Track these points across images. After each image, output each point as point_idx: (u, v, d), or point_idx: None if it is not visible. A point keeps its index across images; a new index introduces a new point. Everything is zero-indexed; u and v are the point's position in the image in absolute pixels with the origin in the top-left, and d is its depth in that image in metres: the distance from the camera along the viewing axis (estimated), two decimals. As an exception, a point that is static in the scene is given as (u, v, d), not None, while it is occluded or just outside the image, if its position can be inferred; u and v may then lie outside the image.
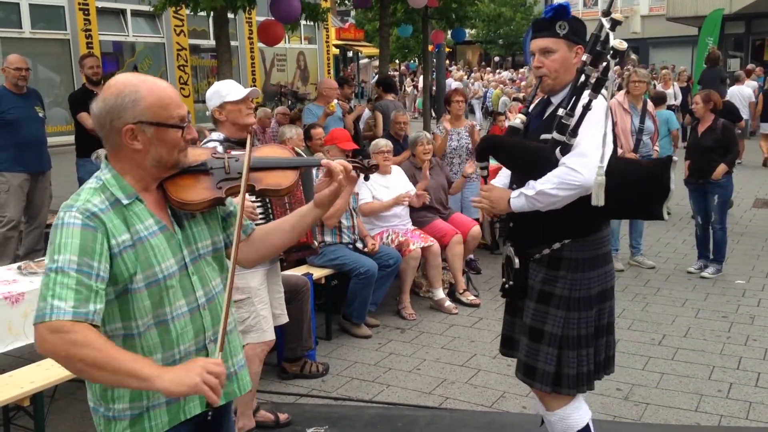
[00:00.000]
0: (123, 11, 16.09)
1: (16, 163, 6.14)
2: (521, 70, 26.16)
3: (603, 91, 2.63)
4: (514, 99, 14.17)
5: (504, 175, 3.05)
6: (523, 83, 22.00)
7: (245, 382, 2.15)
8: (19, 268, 3.95)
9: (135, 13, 16.18)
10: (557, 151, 2.63)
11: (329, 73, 22.39)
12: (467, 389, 4.35)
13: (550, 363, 2.78)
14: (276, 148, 2.22)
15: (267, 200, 3.63)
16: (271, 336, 3.71)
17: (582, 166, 2.56)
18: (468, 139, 6.79)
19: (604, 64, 2.56)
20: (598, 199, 2.54)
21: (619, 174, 2.62)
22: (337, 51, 25.51)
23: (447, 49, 25.20)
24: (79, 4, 14.42)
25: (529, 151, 2.79)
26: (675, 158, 2.62)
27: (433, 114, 15.20)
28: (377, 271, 5.16)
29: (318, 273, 5.06)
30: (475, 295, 5.99)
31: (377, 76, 14.20)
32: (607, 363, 2.90)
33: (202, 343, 1.98)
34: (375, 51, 23.77)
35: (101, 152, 6.79)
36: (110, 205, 1.83)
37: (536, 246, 2.81)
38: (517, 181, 2.85)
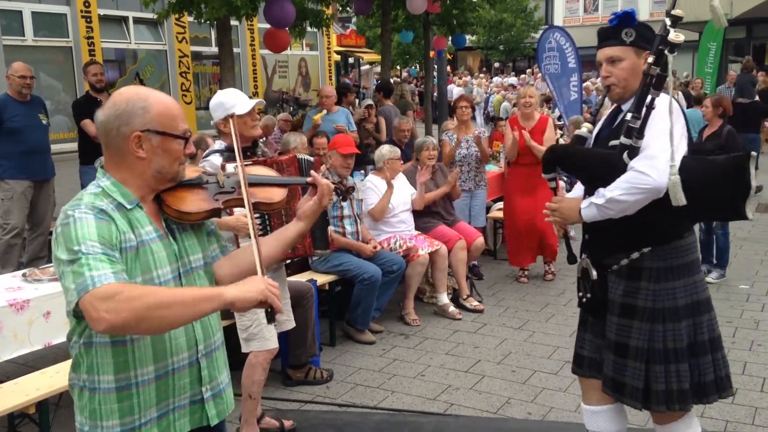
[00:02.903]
0: (125, 18, 16.13)
1: (19, 170, 6.14)
2: (522, 76, 26.18)
3: (663, 92, 2.57)
4: (515, 105, 14.20)
5: (580, 187, 2.96)
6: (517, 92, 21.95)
7: (231, 401, 2.14)
8: (24, 275, 3.95)
9: (137, 21, 16.23)
10: (625, 155, 2.56)
11: (330, 80, 22.42)
12: (472, 395, 4.35)
13: (638, 378, 2.67)
14: (263, 168, 2.38)
15: (265, 215, 3.60)
16: (274, 344, 3.70)
17: (651, 168, 2.47)
18: (476, 147, 6.76)
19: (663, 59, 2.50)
20: (678, 199, 2.46)
21: (697, 173, 2.52)
22: (338, 57, 25.55)
23: (448, 56, 25.22)
24: (81, 11, 14.48)
25: (597, 158, 2.72)
26: (754, 153, 2.49)
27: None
28: (381, 277, 5.16)
29: (322, 279, 5.05)
30: (478, 301, 5.99)
31: (378, 81, 14.23)
32: (720, 384, 2.71)
33: (195, 356, 1.97)
34: (376, 57, 23.83)
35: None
36: (115, 208, 1.85)
37: (613, 256, 2.72)
38: (588, 191, 2.78)
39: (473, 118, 22.32)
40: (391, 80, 16.62)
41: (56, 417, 3.68)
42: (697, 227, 6.88)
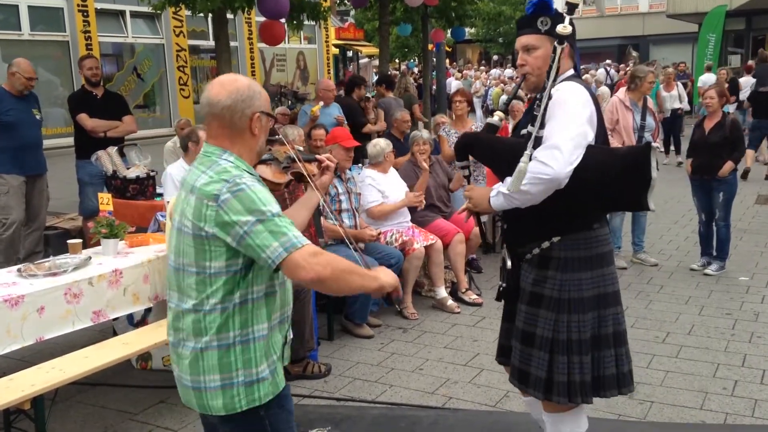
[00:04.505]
0: (122, 12, 16.06)
1: (13, 165, 6.10)
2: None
3: (572, 81, 2.57)
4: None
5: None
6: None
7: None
8: (18, 270, 3.92)
9: (134, 15, 16.16)
10: (530, 145, 2.56)
11: (329, 73, 22.36)
12: (470, 389, 4.33)
13: (542, 368, 2.68)
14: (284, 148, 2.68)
15: None
16: None
17: (551, 159, 2.47)
18: None
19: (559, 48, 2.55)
20: (514, 185, 2.52)
21: (597, 165, 2.52)
22: (336, 51, 25.47)
23: (447, 48, 25.13)
24: (78, 5, 14.38)
25: (505, 146, 2.74)
26: (655, 144, 2.54)
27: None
28: (379, 271, 5.13)
29: (319, 273, 5.02)
30: (477, 294, 5.97)
31: (377, 75, 14.18)
32: (622, 381, 2.73)
33: (288, 312, 2.27)
34: (375, 50, 23.72)
35: (101, 153, 6.73)
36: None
37: (526, 245, 2.74)
38: (500, 179, 2.78)
39: (473, 111, 22.36)
40: (397, 73, 16.57)
41: (52, 412, 3.66)
42: (696, 219, 6.86)
